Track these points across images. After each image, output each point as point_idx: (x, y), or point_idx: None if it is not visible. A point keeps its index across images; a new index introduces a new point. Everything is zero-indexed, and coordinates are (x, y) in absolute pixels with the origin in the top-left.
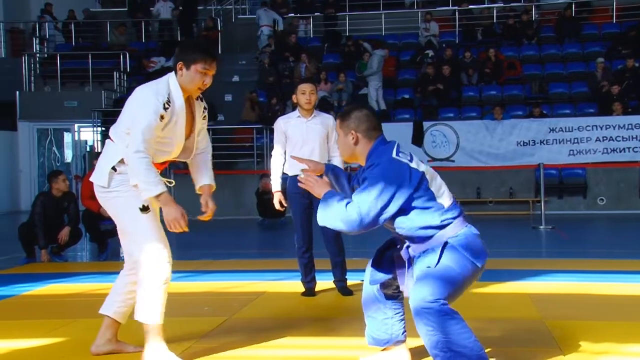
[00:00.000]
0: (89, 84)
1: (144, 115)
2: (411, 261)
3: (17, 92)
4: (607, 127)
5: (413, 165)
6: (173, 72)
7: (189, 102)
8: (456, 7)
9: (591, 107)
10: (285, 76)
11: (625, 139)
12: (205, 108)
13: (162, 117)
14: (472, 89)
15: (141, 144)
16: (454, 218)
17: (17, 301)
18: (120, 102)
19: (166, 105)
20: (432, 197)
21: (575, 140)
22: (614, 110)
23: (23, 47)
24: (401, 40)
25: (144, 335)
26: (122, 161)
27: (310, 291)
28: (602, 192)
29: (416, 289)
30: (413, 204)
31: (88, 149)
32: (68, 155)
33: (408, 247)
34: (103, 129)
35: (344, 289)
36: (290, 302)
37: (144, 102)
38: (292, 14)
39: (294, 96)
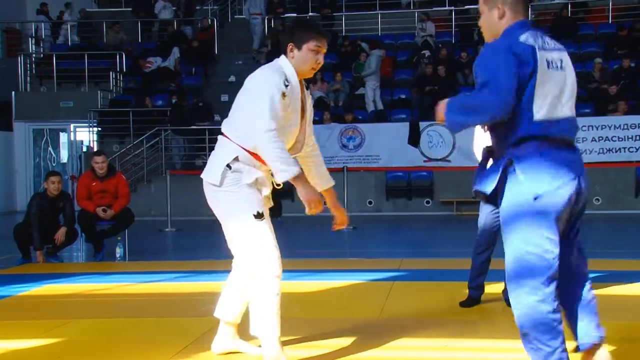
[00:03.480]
0: (84, 84)
1: (267, 91)
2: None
3: (13, 92)
4: (603, 127)
5: (539, 53)
6: (283, 56)
7: (300, 85)
8: (453, 7)
9: (587, 108)
10: None
11: (621, 139)
12: (311, 96)
13: (284, 95)
14: (468, 89)
15: (270, 122)
16: (536, 136)
17: (13, 302)
18: (116, 102)
19: (286, 83)
20: (531, 99)
21: None
22: (618, 110)
23: (19, 47)
24: (398, 41)
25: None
26: (237, 159)
27: (470, 300)
28: (598, 192)
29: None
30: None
31: (84, 149)
32: (64, 156)
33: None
34: (99, 129)
35: None
36: (287, 303)
37: (264, 80)
38: (289, 14)
39: None
